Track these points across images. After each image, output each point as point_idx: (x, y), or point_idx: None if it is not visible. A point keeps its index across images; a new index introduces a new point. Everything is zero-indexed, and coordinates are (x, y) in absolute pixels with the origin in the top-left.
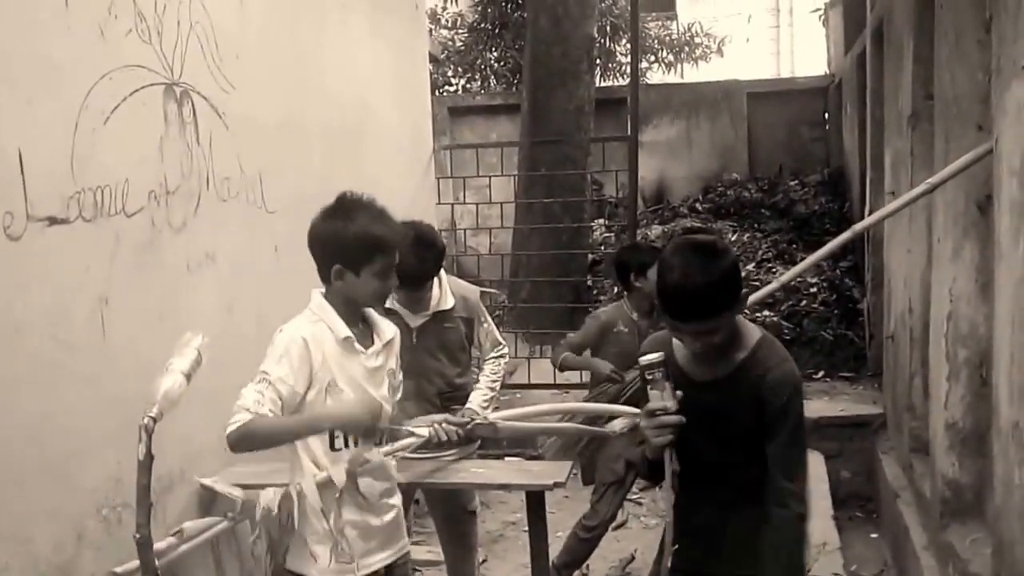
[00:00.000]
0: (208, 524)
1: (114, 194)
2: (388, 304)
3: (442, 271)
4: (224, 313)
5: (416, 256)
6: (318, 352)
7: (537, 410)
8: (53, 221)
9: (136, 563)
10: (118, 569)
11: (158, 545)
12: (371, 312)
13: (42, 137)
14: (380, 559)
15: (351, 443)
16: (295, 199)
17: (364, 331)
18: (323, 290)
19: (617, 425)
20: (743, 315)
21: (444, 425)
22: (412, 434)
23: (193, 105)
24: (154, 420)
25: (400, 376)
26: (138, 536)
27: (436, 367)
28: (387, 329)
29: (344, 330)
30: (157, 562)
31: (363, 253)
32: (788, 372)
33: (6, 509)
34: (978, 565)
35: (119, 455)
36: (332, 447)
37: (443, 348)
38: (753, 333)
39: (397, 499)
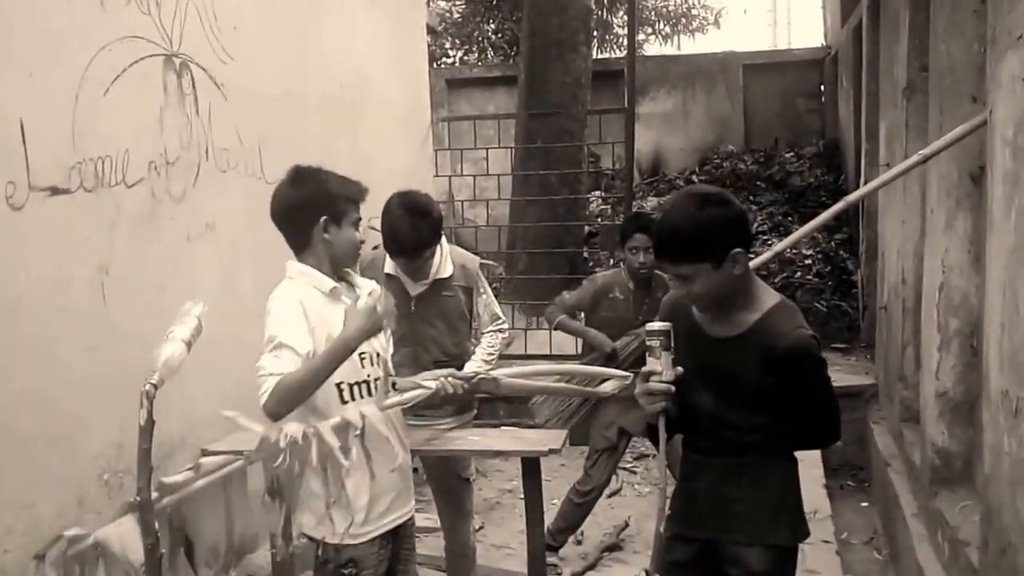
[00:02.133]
0: (225, 461)
1: (115, 165)
2: (389, 270)
3: (443, 239)
4: (223, 282)
5: (411, 225)
6: (311, 309)
7: (536, 369)
8: (55, 191)
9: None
10: (166, 479)
11: (174, 477)
12: (349, 272)
13: (43, 108)
14: (391, 520)
15: (360, 394)
16: None
17: (346, 288)
18: (294, 260)
19: (608, 387)
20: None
21: (450, 379)
22: (419, 386)
23: (192, 76)
24: (155, 387)
25: (391, 329)
26: (138, 499)
27: (433, 335)
28: (366, 283)
29: (330, 282)
30: (173, 496)
31: (344, 203)
32: (802, 339)
33: (10, 475)
34: (967, 532)
35: (120, 422)
36: (342, 401)
37: (441, 316)
38: (770, 297)
39: (399, 455)
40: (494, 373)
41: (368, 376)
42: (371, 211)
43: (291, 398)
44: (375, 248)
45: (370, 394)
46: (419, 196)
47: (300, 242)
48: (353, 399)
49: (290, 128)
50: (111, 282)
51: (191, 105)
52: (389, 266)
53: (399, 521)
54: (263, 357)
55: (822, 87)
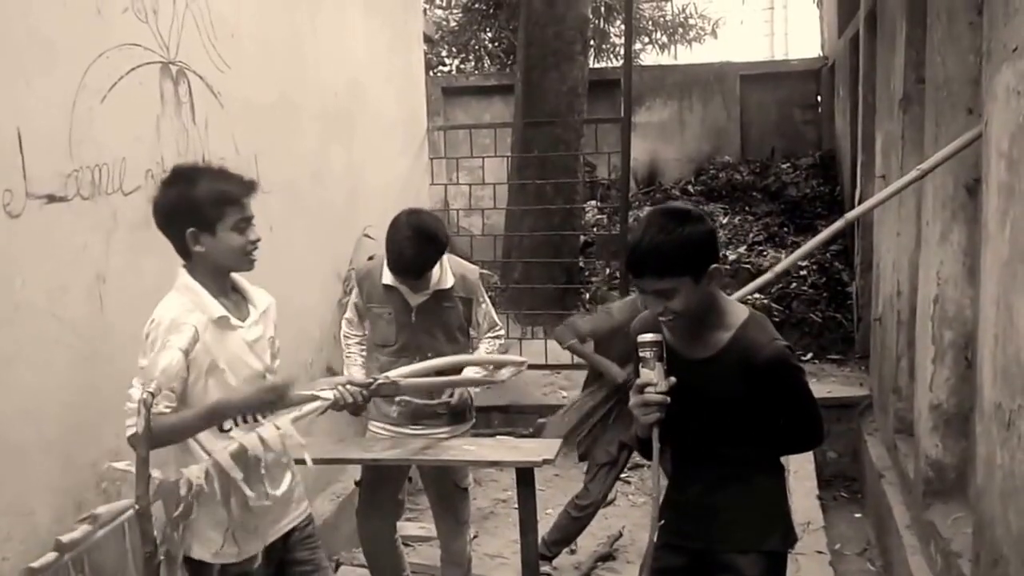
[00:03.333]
0: (122, 508)
1: (111, 172)
2: (387, 281)
3: None
4: None
5: (417, 249)
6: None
7: (432, 365)
8: (52, 199)
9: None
10: (63, 538)
11: (72, 535)
12: (241, 281)
13: (40, 115)
14: (276, 531)
15: (241, 421)
16: (290, 179)
17: (238, 301)
18: (187, 270)
19: (505, 372)
20: (726, 292)
21: (348, 386)
22: (317, 397)
23: (189, 84)
24: (153, 395)
25: (278, 343)
26: (137, 507)
27: (433, 345)
28: (261, 297)
29: (217, 309)
30: (70, 554)
31: (213, 209)
32: (779, 351)
33: (7, 482)
34: (959, 544)
35: (117, 430)
36: (221, 429)
37: (441, 327)
38: (740, 313)
39: (290, 468)
40: (392, 375)
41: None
42: (367, 219)
43: (157, 443)
44: (371, 258)
45: (255, 419)
46: (428, 218)
47: (181, 250)
48: (236, 425)
49: (286, 136)
50: (108, 290)
51: (188, 113)
52: (387, 277)
53: (287, 528)
54: (135, 387)
55: (819, 98)
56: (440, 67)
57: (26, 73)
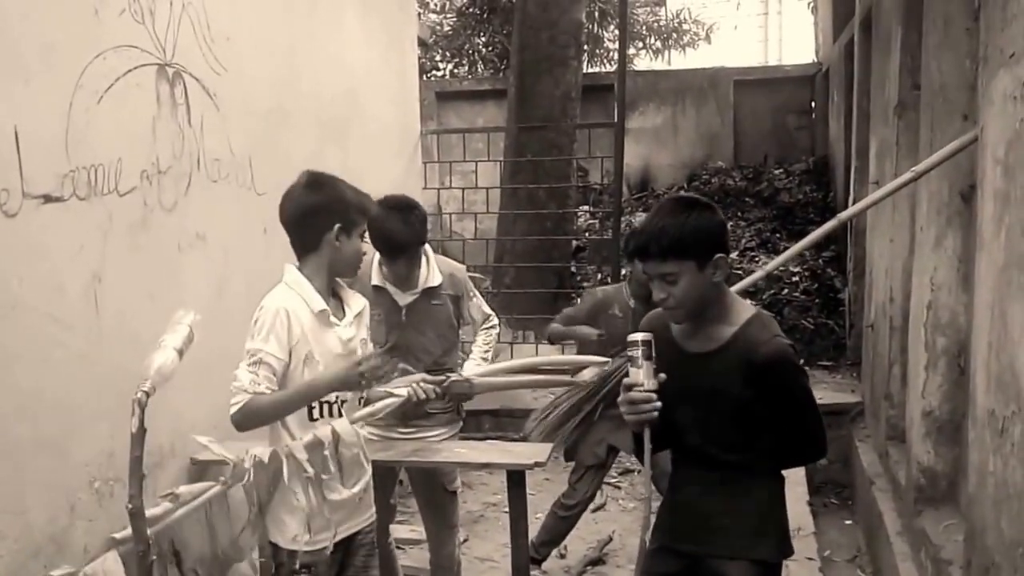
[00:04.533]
0: (202, 488)
1: (107, 173)
2: (377, 282)
3: (429, 249)
4: (214, 292)
5: (401, 221)
6: (297, 325)
7: (508, 366)
8: (48, 199)
9: (159, 508)
10: (116, 535)
11: (154, 510)
12: (342, 285)
13: (38, 115)
14: (345, 528)
15: (328, 414)
16: (284, 181)
17: (336, 304)
18: (297, 265)
19: (587, 374)
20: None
21: (422, 384)
22: (391, 394)
23: (185, 86)
24: (147, 394)
25: (371, 346)
26: (131, 506)
27: (423, 344)
28: (357, 301)
29: (320, 303)
30: (154, 527)
31: (358, 214)
32: (780, 348)
33: (1, 481)
34: (950, 551)
35: (112, 430)
36: (310, 418)
37: (431, 325)
38: (746, 310)
39: (367, 470)
40: (466, 374)
41: (336, 397)
42: None
43: (257, 420)
44: None
45: (340, 414)
46: (398, 196)
47: (307, 246)
48: (322, 416)
49: (281, 139)
50: (104, 290)
51: (183, 115)
52: (376, 278)
53: (355, 529)
54: (241, 368)
55: (813, 104)
56: (434, 71)
57: (24, 73)
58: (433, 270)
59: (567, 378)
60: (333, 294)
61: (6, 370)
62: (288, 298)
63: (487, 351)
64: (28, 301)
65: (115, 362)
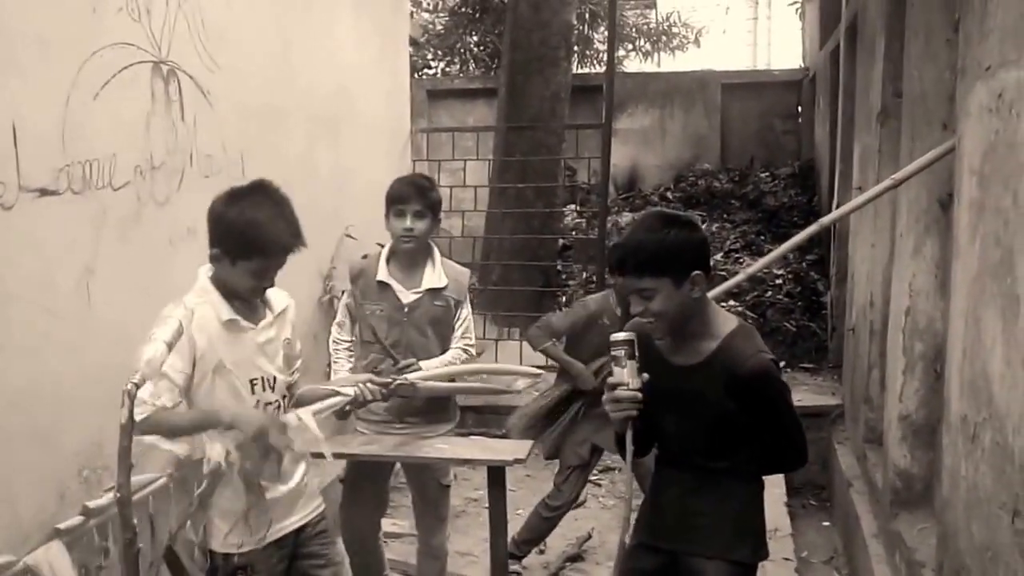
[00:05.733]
0: (147, 480)
1: (102, 168)
2: (382, 278)
3: (435, 250)
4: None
5: (411, 176)
6: (202, 336)
7: (452, 371)
8: (44, 192)
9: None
10: (61, 525)
11: (99, 502)
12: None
13: (35, 111)
14: (288, 524)
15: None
16: (276, 178)
17: (255, 304)
18: (211, 269)
19: (521, 384)
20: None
21: (368, 385)
22: (338, 393)
23: (179, 83)
24: (137, 386)
25: (299, 346)
26: (119, 494)
27: (423, 344)
28: (279, 300)
29: (227, 312)
30: (97, 518)
31: (242, 248)
32: (762, 363)
33: None
34: (923, 554)
35: (101, 421)
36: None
37: (432, 326)
38: (728, 323)
39: (304, 462)
40: (411, 377)
41: (258, 401)
42: (350, 219)
43: (151, 431)
44: (364, 256)
45: (265, 411)
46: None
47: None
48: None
49: (273, 136)
50: (96, 283)
51: (177, 112)
52: (382, 274)
53: (300, 523)
54: (146, 385)
55: (799, 108)
56: (425, 69)
57: (22, 69)
58: (439, 272)
59: (504, 387)
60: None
61: (0, 360)
62: (194, 307)
63: (449, 364)
64: (21, 293)
65: (105, 354)
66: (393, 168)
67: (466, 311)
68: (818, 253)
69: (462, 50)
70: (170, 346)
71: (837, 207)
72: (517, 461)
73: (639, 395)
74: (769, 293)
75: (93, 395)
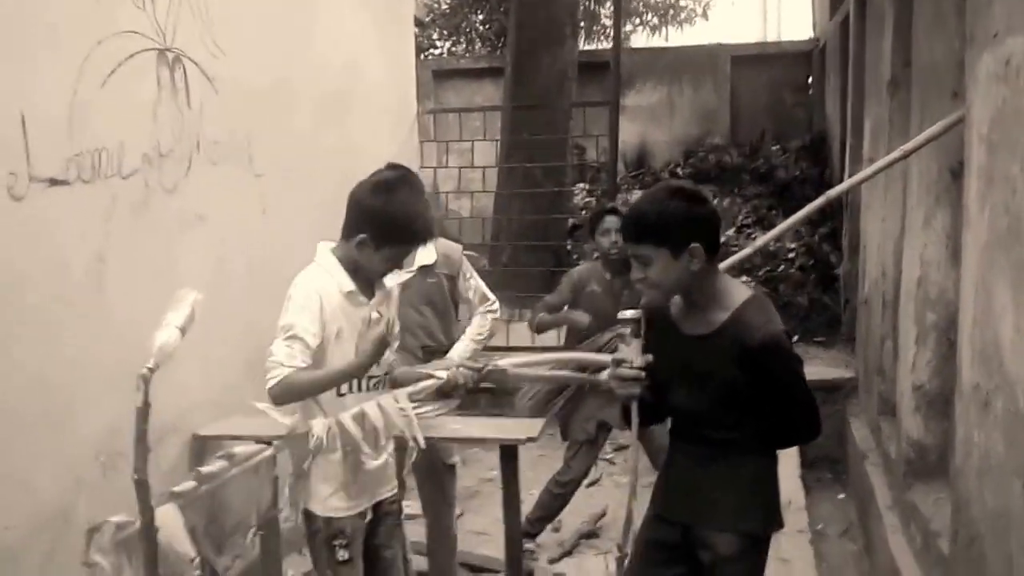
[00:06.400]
0: (255, 451)
1: (110, 156)
2: None
3: None
4: (214, 271)
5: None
6: (328, 303)
7: (543, 358)
8: (53, 182)
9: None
10: (176, 488)
11: (211, 468)
12: None
13: (43, 100)
14: (378, 494)
15: (356, 388)
16: (282, 163)
17: (366, 284)
18: (332, 245)
19: (606, 374)
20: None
21: (461, 368)
22: (431, 376)
23: (185, 70)
24: (151, 371)
25: (398, 327)
26: (136, 477)
27: (419, 321)
28: (388, 280)
29: (349, 284)
30: (210, 483)
31: (393, 236)
32: (773, 334)
33: (11, 455)
34: (938, 523)
35: (116, 406)
36: (338, 393)
37: (427, 303)
38: (740, 294)
39: (390, 444)
40: (502, 364)
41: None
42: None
43: (293, 395)
44: None
45: (367, 389)
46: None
47: (346, 234)
48: (350, 391)
49: (279, 121)
50: (108, 271)
51: (183, 99)
52: None
53: (380, 497)
54: (277, 343)
55: (810, 80)
56: (431, 50)
57: (30, 59)
58: (428, 248)
59: (592, 376)
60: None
61: (13, 348)
62: (318, 277)
63: (480, 335)
64: (36, 281)
65: (118, 340)
66: (400, 150)
67: (472, 281)
68: (831, 226)
69: (468, 29)
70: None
71: (847, 179)
72: (529, 439)
73: (642, 374)
74: (782, 267)
75: (107, 381)
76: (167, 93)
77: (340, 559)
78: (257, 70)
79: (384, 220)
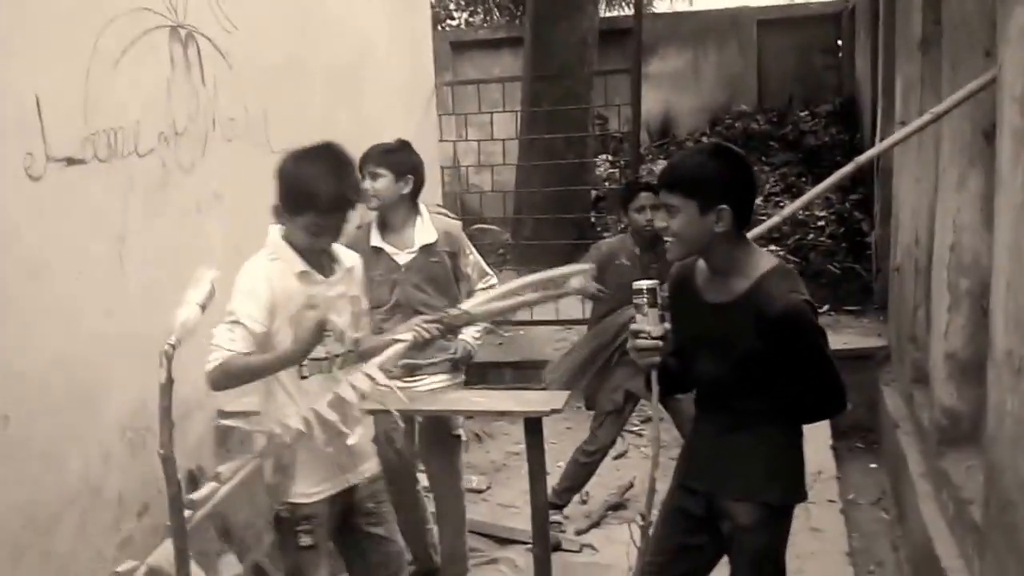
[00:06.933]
0: (240, 465)
1: (126, 136)
2: (376, 243)
3: (421, 206)
4: (232, 250)
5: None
6: (280, 287)
7: (502, 291)
8: (71, 161)
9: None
10: (195, 496)
11: (202, 492)
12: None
13: (57, 80)
14: (344, 480)
15: (319, 371)
16: (298, 138)
17: (325, 260)
18: (282, 225)
19: (575, 283)
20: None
21: (422, 325)
22: (396, 340)
23: (198, 47)
24: (173, 347)
25: (365, 303)
26: (161, 452)
27: (424, 300)
28: (347, 257)
29: (299, 264)
30: (205, 509)
31: (296, 202)
32: (793, 304)
33: (39, 431)
34: (970, 491)
35: (140, 383)
36: (300, 376)
37: (431, 281)
38: (764, 263)
39: (367, 421)
40: (463, 307)
41: (327, 353)
42: None
43: (230, 380)
44: (358, 227)
45: (330, 371)
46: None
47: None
48: (314, 373)
49: (294, 96)
50: (127, 249)
51: (197, 75)
52: (375, 239)
53: (355, 481)
54: (219, 328)
55: (839, 42)
56: (448, 21)
57: (43, 39)
58: (428, 227)
59: (558, 292)
60: (323, 249)
61: (39, 326)
62: (268, 262)
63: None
64: (57, 260)
65: (140, 318)
66: (418, 124)
67: (471, 258)
68: (862, 192)
69: None
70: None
71: (877, 143)
72: (553, 411)
73: (660, 343)
74: (811, 236)
75: (131, 358)
76: (181, 70)
77: (303, 544)
78: (271, 45)
79: (290, 187)
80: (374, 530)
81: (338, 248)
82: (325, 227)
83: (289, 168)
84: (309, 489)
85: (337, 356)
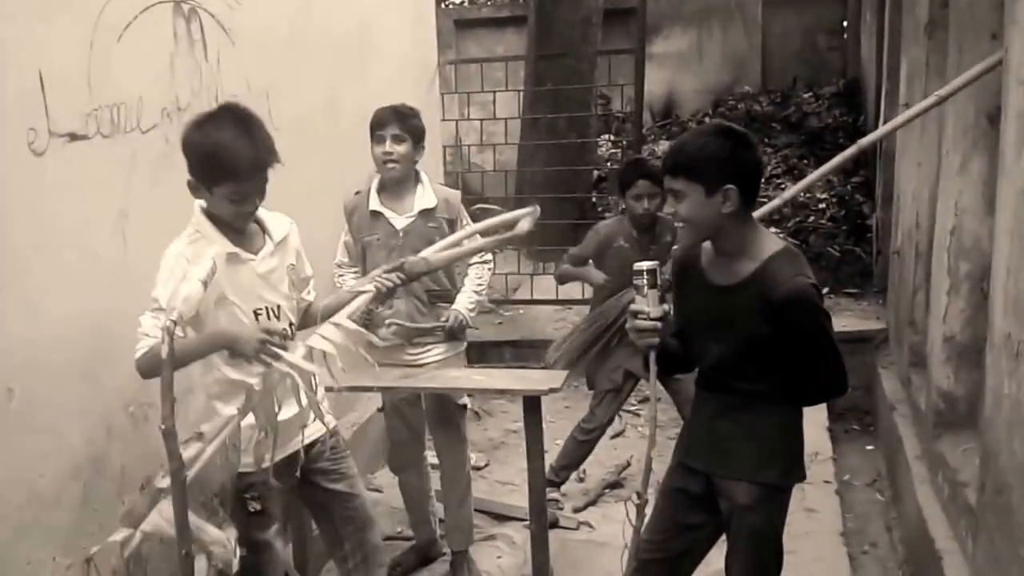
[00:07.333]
0: (222, 424)
1: (129, 111)
2: (375, 207)
3: (423, 173)
4: None
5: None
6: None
7: (457, 237)
8: (74, 137)
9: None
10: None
11: (187, 453)
12: (260, 212)
13: (60, 55)
14: (291, 447)
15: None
16: (301, 115)
17: (254, 234)
18: (205, 203)
19: (525, 224)
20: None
21: (382, 276)
22: (359, 292)
23: (201, 22)
24: (174, 323)
25: (308, 270)
26: (163, 427)
27: None
28: (279, 226)
29: (225, 246)
30: (191, 469)
31: (212, 172)
32: (799, 287)
33: (43, 405)
34: (966, 474)
35: None
36: (232, 354)
37: (428, 246)
38: (771, 246)
39: (302, 388)
40: (422, 254)
41: (280, 332)
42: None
43: (158, 366)
44: (357, 193)
45: (288, 338)
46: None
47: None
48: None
49: (298, 73)
50: (130, 225)
51: (200, 51)
52: (374, 203)
53: (297, 447)
54: (145, 315)
55: (844, 23)
56: None
57: (45, 14)
58: (428, 193)
59: (509, 234)
60: (250, 216)
61: (43, 299)
62: (190, 244)
63: (480, 284)
64: (60, 235)
65: (142, 293)
66: (420, 101)
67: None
68: (863, 175)
69: None
70: (205, 284)
71: (881, 126)
72: (552, 390)
73: (659, 324)
74: (812, 218)
75: (134, 332)
76: (184, 46)
77: (251, 510)
78: (274, 20)
79: (201, 158)
80: (334, 486)
81: (268, 216)
82: (247, 192)
83: (195, 138)
84: (251, 457)
85: (276, 333)
